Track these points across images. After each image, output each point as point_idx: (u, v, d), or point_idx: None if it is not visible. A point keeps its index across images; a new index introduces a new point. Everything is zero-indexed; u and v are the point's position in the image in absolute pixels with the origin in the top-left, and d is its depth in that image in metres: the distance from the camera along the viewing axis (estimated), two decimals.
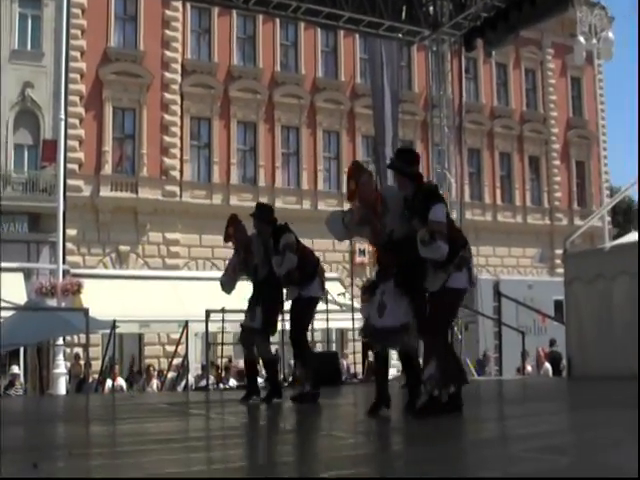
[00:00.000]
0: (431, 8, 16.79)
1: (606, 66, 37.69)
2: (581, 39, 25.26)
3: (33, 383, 18.86)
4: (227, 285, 8.64)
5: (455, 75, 18.26)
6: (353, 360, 17.93)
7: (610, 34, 24.67)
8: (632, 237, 12.22)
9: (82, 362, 17.88)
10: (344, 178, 30.28)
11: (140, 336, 25.13)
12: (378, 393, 6.15)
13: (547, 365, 17.41)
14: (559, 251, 22.04)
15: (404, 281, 6.04)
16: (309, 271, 8.19)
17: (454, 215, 17.77)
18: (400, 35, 17.39)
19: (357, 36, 28.58)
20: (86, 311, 12.05)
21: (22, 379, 18.77)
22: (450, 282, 5.74)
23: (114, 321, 15.32)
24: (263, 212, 8.53)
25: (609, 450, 3.65)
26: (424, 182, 6.21)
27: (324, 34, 31.13)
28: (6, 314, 15.39)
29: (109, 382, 15.66)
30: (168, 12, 28.27)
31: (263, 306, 8.38)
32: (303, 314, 8.19)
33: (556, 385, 11.07)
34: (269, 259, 8.21)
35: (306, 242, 30.20)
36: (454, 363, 5.95)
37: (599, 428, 4.91)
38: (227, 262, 9.10)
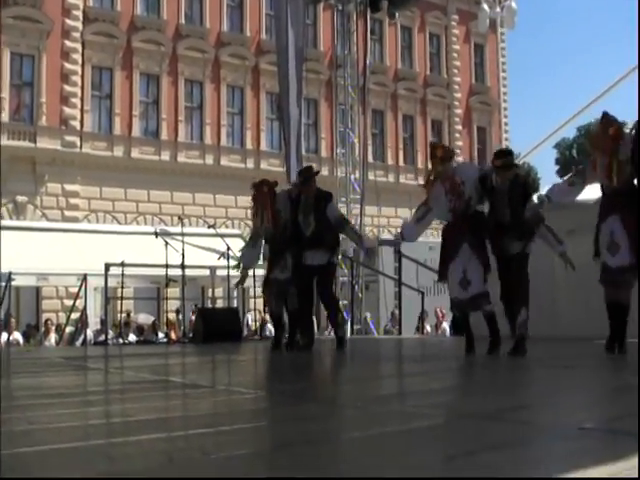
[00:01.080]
0: None
1: (509, 35, 38.50)
2: (485, 7, 25.73)
3: None
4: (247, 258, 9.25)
5: (360, 36, 18.38)
6: (254, 317, 18.03)
7: (513, 4, 25.16)
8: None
9: None
10: (248, 134, 30.55)
11: (37, 289, 24.67)
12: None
13: (445, 325, 17.87)
14: None
15: (479, 247, 7.11)
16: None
17: (357, 174, 18.08)
18: None
19: None
20: None
21: None
22: (527, 248, 6.97)
23: (10, 273, 15.02)
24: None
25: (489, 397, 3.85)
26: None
27: None
28: None
29: (4, 336, 15.37)
30: None
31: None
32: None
33: (454, 344, 11.39)
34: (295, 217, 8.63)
35: (208, 197, 29.99)
36: None
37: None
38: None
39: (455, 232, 7.21)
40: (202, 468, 2.36)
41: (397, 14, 18.22)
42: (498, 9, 26.41)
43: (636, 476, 2.12)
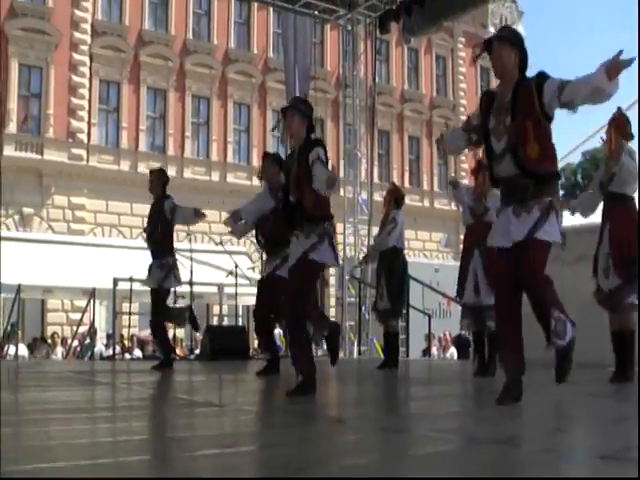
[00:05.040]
0: None
1: None
2: (492, 30, 25.84)
3: None
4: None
5: (368, 56, 18.48)
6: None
7: (520, 27, 25.27)
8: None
9: None
10: (254, 151, 30.55)
11: (43, 302, 24.68)
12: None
13: (453, 349, 17.84)
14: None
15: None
16: None
17: (364, 196, 18.10)
18: (316, 12, 17.53)
19: (271, 9, 28.54)
20: None
21: None
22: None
23: (19, 286, 15.04)
24: None
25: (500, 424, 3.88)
26: None
27: (237, 5, 30.97)
28: None
29: (12, 348, 15.39)
30: None
31: None
32: None
33: (462, 368, 11.42)
34: None
35: (213, 214, 29.83)
36: None
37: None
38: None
39: (472, 237, 7.32)
40: None
41: (412, 40, 18.32)
42: None
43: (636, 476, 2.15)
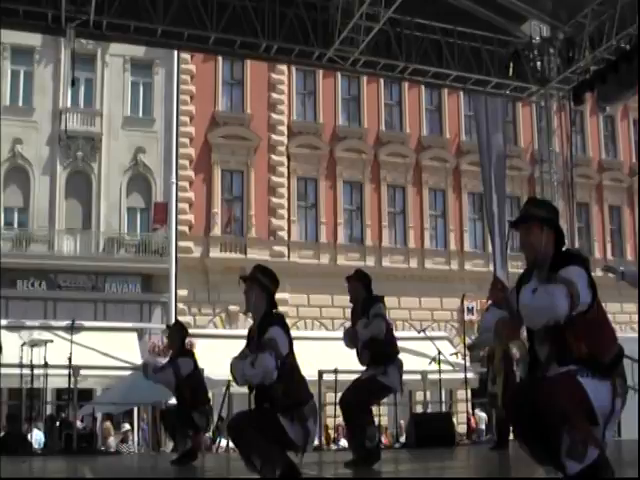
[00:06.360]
0: (539, 63, 16.65)
1: None
2: None
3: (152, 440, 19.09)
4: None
5: (563, 129, 18.02)
6: (465, 420, 17.53)
7: None
8: None
9: None
10: (451, 236, 30.37)
11: (250, 397, 25.17)
12: None
13: None
14: None
15: None
16: None
17: None
18: (507, 92, 17.31)
19: (461, 93, 28.58)
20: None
21: (135, 435, 19.08)
22: None
23: (229, 381, 15.36)
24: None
25: None
26: None
27: (428, 92, 31.21)
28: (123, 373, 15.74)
29: (224, 441, 15.68)
30: (274, 75, 28.89)
31: None
32: None
33: None
34: None
35: (414, 300, 29.75)
36: None
37: None
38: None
39: None
40: None
41: (608, 108, 17.76)
42: None
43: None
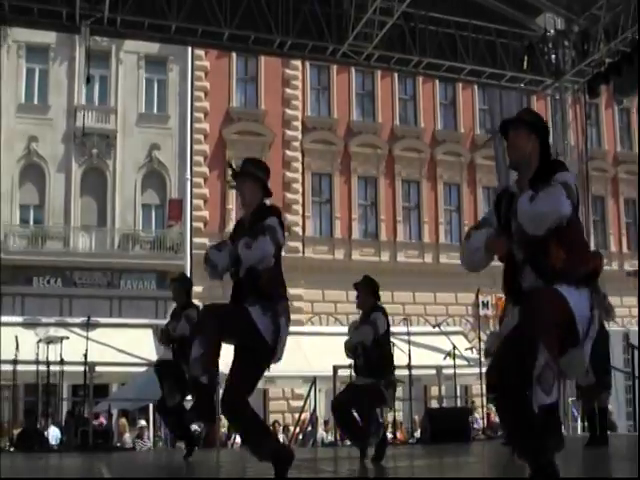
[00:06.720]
0: (553, 56, 16.60)
1: None
2: None
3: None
4: None
5: (578, 122, 17.96)
6: (482, 415, 17.50)
7: None
8: None
9: None
10: (466, 231, 30.22)
11: (265, 391, 25.28)
12: None
13: None
14: None
15: None
16: None
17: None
18: (522, 85, 17.25)
19: (476, 87, 28.47)
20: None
21: (150, 431, 19.13)
22: None
23: None
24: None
25: None
26: None
27: (442, 86, 31.09)
28: (139, 370, 15.77)
29: (237, 438, 15.71)
30: (288, 71, 28.86)
31: None
32: None
33: None
34: None
35: (428, 295, 29.58)
36: None
37: None
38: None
39: None
40: None
41: (624, 100, 17.68)
42: None
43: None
